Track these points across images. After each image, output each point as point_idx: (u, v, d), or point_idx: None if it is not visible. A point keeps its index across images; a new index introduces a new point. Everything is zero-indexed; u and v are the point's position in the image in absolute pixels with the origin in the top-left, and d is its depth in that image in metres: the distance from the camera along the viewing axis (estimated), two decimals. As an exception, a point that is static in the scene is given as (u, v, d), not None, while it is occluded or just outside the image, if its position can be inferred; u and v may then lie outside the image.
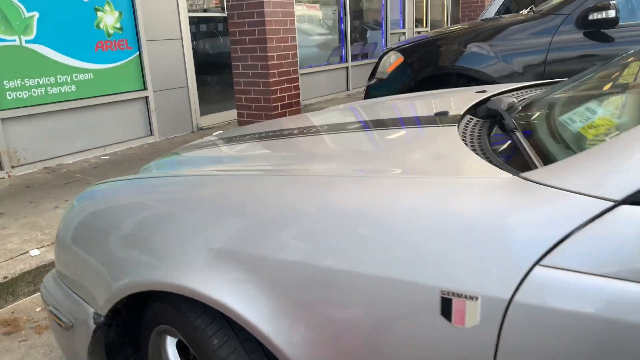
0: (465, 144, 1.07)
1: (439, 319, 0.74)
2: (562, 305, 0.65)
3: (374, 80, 3.84)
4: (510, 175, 0.82)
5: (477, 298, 0.71)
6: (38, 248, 2.50)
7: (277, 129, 1.59)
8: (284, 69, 4.16)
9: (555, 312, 0.66)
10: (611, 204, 0.66)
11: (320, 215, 0.86)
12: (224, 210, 0.97)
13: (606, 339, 0.63)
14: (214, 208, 0.99)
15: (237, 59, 4.17)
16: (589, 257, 0.65)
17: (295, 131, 1.50)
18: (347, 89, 7.87)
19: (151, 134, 4.89)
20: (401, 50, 3.66)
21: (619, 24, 2.89)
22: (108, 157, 4.35)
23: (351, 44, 7.79)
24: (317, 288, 0.83)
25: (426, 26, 10.12)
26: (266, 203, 0.93)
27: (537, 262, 0.68)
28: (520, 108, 1.30)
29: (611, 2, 2.85)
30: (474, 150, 1.03)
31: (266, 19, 3.92)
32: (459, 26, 3.85)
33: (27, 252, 2.46)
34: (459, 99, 1.59)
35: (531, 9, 3.90)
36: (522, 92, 1.67)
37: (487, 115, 1.27)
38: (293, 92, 4.30)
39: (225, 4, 5.54)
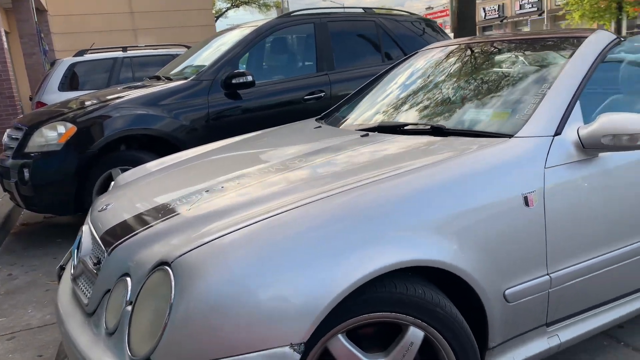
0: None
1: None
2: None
3: (33, 154, 3.53)
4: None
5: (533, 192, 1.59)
6: None
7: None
8: None
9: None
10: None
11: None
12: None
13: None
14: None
15: None
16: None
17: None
18: None
19: None
20: (70, 120, 3.58)
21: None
22: None
23: None
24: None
25: None
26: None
27: (545, 167, 1.62)
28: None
29: (245, 71, 3.94)
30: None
31: None
32: (122, 89, 4.10)
33: None
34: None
35: (155, 76, 4.56)
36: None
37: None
38: None
39: None
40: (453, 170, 1.58)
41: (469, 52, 2.43)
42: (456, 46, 2.55)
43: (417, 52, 2.80)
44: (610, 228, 1.77)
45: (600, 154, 1.76)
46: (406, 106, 2.29)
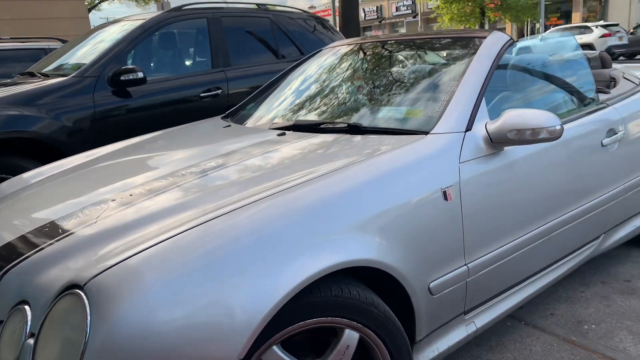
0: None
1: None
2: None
3: None
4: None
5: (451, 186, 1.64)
6: None
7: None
8: None
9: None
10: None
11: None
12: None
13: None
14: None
15: None
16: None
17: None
18: None
19: None
20: None
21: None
22: None
23: None
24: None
25: None
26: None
27: (459, 162, 1.68)
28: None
29: (135, 67, 3.65)
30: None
31: None
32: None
33: None
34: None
35: (27, 72, 4.08)
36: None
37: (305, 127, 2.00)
38: None
39: None
40: (375, 170, 1.57)
41: (376, 50, 2.47)
42: (361, 44, 2.57)
43: (324, 49, 2.78)
44: (516, 216, 1.88)
45: (505, 148, 1.87)
46: (321, 104, 2.25)
